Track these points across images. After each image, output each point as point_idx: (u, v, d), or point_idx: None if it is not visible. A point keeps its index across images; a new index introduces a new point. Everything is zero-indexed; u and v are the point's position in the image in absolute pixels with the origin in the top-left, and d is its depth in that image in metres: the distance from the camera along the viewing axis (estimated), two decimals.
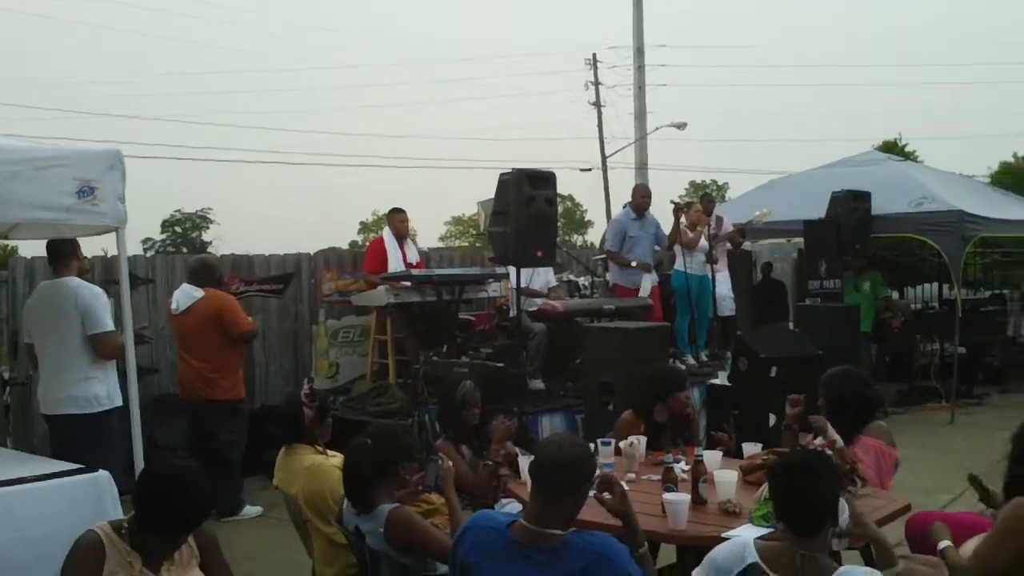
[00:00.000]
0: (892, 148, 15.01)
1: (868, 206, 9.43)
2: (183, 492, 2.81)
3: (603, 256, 9.23)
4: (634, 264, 8.30)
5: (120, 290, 4.50)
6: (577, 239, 53.07)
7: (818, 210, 9.42)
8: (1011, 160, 19.45)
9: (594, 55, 28.90)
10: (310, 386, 4.26)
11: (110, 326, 4.82)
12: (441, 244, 47.01)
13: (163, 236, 43.60)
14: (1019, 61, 73.70)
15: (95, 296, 4.85)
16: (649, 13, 18.75)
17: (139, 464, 4.27)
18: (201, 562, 3.03)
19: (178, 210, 43.56)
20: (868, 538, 2.91)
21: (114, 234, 4.39)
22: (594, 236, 48.44)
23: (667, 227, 8.72)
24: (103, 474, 3.86)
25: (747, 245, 11.09)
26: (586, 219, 56.25)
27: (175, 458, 3.12)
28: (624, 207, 9.11)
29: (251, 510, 6.31)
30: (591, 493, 2.75)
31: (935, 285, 12.89)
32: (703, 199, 9.82)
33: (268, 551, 5.49)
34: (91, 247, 5.53)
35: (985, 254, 13.52)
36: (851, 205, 9.26)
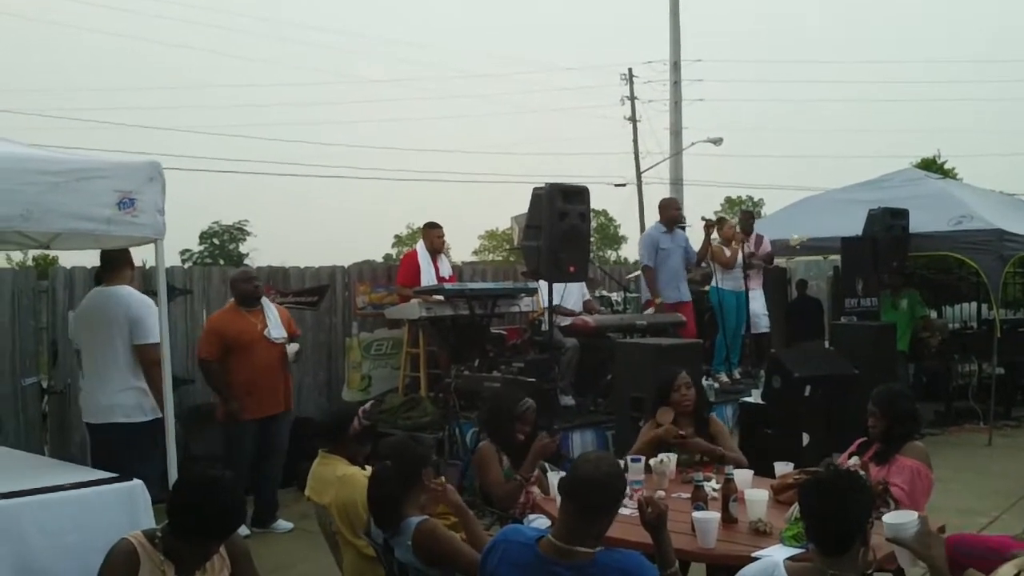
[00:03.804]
0: (931, 165, 14.84)
1: (906, 224, 9.33)
2: (216, 501, 2.84)
3: (637, 274, 9.22)
4: (658, 301, 8.26)
5: (159, 301, 4.56)
6: (611, 254, 53.04)
7: (855, 227, 9.33)
8: None
9: (630, 70, 28.98)
10: (371, 407, 4.30)
11: (157, 338, 4.78)
12: (475, 258, 47.18)
13: (201, 247, 44.22)
14: None
15: (147, 306, 4.91)
16: (685, 28, 18.74)
17: (173, 474, 4.32)
18: (232, 572, 3.06)
19: (216, 222, 44.21)
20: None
21: (152, 245, 4.47)
22: (628, 251, 48.36)
23: (696, 243, 8.71)
24: (137, 483, 3.91)
25: (782, 262, 11.01)
26: (620, 234, 56.22)
27: (209, 468, 3.15)
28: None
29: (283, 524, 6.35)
30: (629, 506, 2.75)
31: (974, 304, 12.71)
32: (743, 216, 9.76)
33: (299, 562, 5.53)
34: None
35: None
36: (888, 223, 9.16)
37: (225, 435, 6.28)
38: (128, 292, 5.05)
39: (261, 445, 6.23)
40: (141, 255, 6.04)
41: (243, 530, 4.97)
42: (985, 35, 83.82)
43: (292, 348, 6.42)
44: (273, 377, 6.26)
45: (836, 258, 10.28)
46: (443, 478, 3.52)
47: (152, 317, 4.87)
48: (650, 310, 8.27)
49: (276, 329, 6.30)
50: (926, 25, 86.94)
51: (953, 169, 15.40)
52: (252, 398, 6.13)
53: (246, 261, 37.98)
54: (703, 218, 8.74)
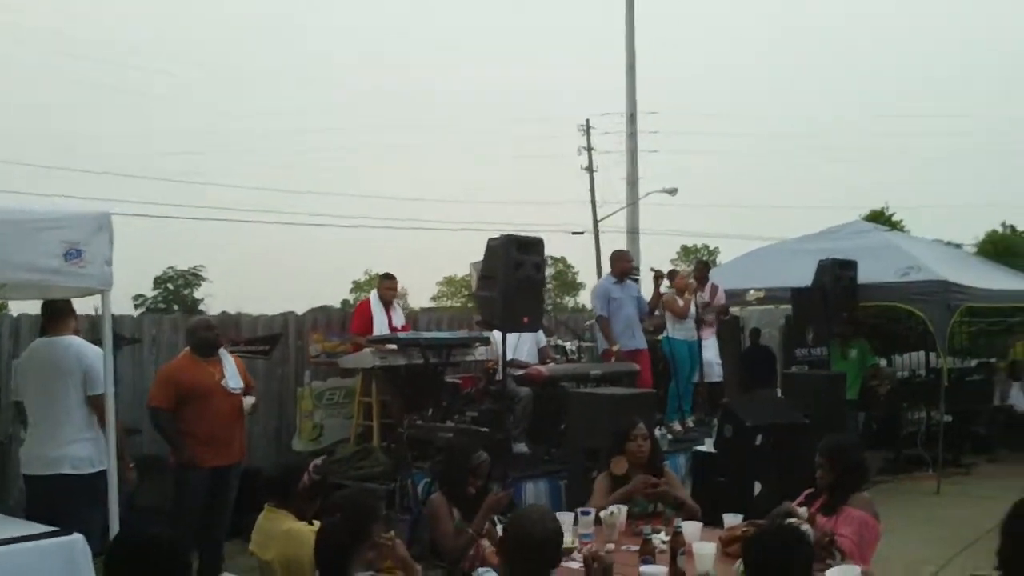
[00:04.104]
0: (879, 217, 15.18)
1: (854, 275, 9.51)
2: (157, 561, 2.77)
3: (592, 322, 9.27)
4: (615, 349, 8.31)
5: (104, 352, 4.51)
6: (569, 301, 53.23)
7: (806, 277, 9.50)
8: (998, 229, 19.69)
9: (587, 121, 29.44)
10: (323, 462, 4.26)
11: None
12: (433, 304, 47.12)
13: (155, 292, 43.59)
14: (1007, 130, 74.98)
15: (98, 356, 4.79)
16: (642, 80, 19.07)
17: (114, 527, 4.24)
18: None
19: (171, 267, 43.62)
20: None
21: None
22: (585, 298, 48.59)
23: (647, 294, 8.80)
24: (77, 537, 3.83)
25: (736, 311, 11.15)
26: (578, 281, 56.51)
27: (149, 524, 3.09)
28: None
29: None
30: (576, 559, 2.75)
31: (922, 353, 12.92)
32: (698, 265, 9.88)
33: None
34: (84, 305, 5.57)
35: (972, 323, 13.58)
36: (837, 273, 9.34)
37: (176, 484, 6.15)
38: (80, 342, 4.99)
39: (211, 496, 6.11)
40: (94, 302, 5.97)
41: None
42: (934, 85, 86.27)
43: (248, 401, 6.31)
44: (229, 428, 6.11)
45: (788, 307, 10.43)
46: (392, 532, 3.49)
47: (102, 368, 4.81)
48: (611, 359, 8.31)
49: (234, 380, 6.17)
50: (876, 77, 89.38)
51: (901, 221, 15.77)
52: (209, 448, 5.96)
53: (200, 307, 37.58)
54: (652, 268, 8.84)
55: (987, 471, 10.09)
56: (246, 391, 6.29)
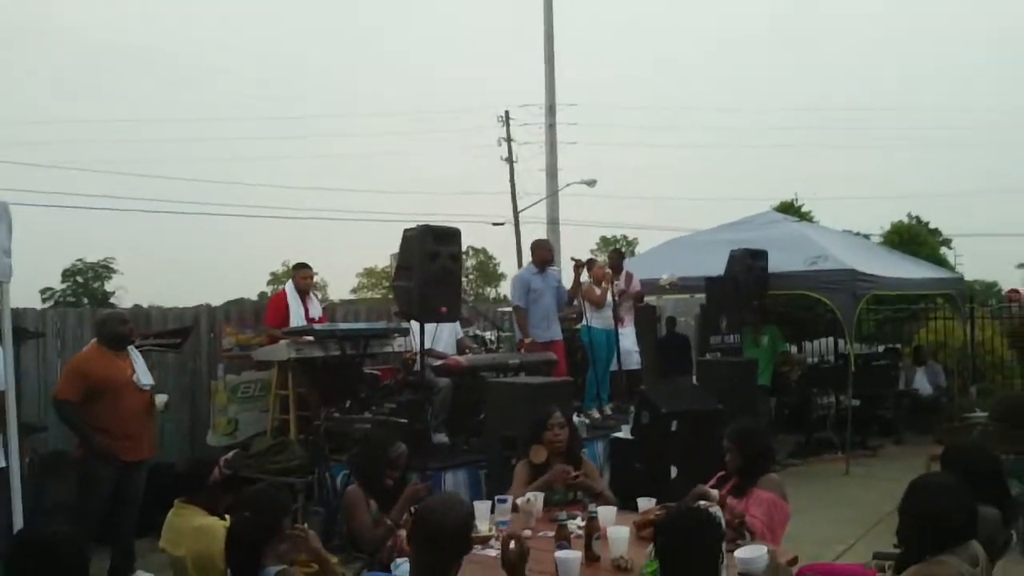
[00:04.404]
0: (789, 208, 15.51)
1: (765, 264, 9.73)
2: (53, 559, 2.70)
3: (508, 310, 9.29)
4: (528, 341, 8.34)
5: (4, 346, 4.36)
6: (490, 292, 53.38)
7: (719, 267, 9.67)
8: (904, 220, 20.31)
9: (507, 112, 29.49)
10: (233, 456, 4.20)
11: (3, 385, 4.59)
12: (353, 296, 46.64)
13: (64, 286, 42.22)
14: (915, 126, 77.70)
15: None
16: (561, 73, 19.19)
17: (18, 525, 4.11)
18: None
19: (80, 259, 42.27)
20: None
21: None
22: (506, 289, 48.74)
23: (568, 283, 8.86)
24: None
25: (652, 300, 11.31)
26: (499, 272, 56.70)
27: (52, 522, 3.00)
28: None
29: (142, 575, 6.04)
30: (494, 546, 2.75)
31: (831, 340, 13.32)
32: (612, 254, 9.98)
33: None
34: None
35: (878, 310, 14.01)
36: (748, 263, 9.54)
37: (82, 479, 5.95)
38: None
39: (119, 491, 5.96)
40: None
41: None
42: (847, 84, 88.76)
43: (161, 399, 6.20)
44: (139, 424, 5.99)
45: (703, 296, 10.61)
46: (305, 525, 3.46)
47: (3, 364, 4.64)
48: (522, 350, 8.34)
49: (145, 376, 6.07)
50: (796, 76, 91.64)
51: (810, 212, 16.15)
52: (119, 444, 5.83)
53: (112, 300, 36.58)
54: (573, 259, 8.90)
55: (893, 453, 10.42)
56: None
